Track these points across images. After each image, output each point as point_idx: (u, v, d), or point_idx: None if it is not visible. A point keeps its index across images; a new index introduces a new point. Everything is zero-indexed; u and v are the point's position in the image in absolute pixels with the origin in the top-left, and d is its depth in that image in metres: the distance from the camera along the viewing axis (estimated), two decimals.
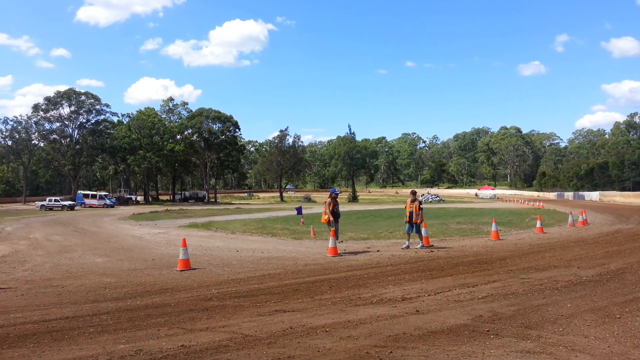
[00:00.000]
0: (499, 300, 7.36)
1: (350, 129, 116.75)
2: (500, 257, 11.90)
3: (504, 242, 15.47)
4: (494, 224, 16.68)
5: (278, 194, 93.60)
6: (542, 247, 13.87)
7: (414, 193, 14.82)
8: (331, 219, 13.65)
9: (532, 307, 6.88)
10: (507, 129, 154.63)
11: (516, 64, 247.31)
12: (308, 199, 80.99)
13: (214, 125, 78.90)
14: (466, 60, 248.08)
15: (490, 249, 13.59)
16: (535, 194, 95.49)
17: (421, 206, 14.37)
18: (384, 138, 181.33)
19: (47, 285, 9.54)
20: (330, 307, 7.11)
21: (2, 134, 73.82)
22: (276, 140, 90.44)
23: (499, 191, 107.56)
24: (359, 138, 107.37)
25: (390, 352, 5.10)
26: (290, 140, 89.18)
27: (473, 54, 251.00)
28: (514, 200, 67.00)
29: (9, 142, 74.71)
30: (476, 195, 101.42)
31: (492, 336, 5.59)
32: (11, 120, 73.95)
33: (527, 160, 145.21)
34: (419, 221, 14.12)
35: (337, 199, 15.07)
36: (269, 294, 8.08)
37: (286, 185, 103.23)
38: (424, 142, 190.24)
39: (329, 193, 15.12)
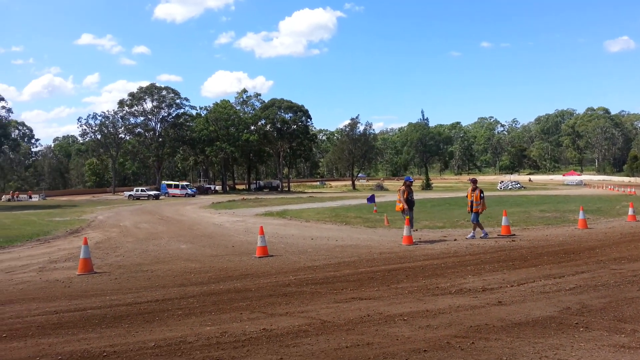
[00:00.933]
0: (588, 291, 6.92)
1: (423, 115, 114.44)
2: (589, 247, 11.18)
3: (592, 230, 14.49)
4: (581, 212, 15.66)
5: (350, 182, 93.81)
6: (636, 236, 12.84)
7: (474, 181, 14.38)
8: (405, 207, 13.43)
9: (625, 300, 6.41)
10: (594, 110, 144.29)
11: (602, 39, 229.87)
12: (380, 187, 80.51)
13: (286, 115, 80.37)
14: (547, 37, 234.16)
15: (578, 238, 12.79)
16: (626, 179, 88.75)
17: (482, 194, 13.86)
18: (458, 123, 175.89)
19: (138, 270, 10.22)
20: (407, 296, 7.04)
21: (92, 128, 79.65)
22: (347, 129, 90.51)
23: (585, 177, 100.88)
24: (432, 124, 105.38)
25: (472, 342, 4.97)
26: (361, 128, 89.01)
27: (554, 30, 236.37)
28: (602, 187, 62.58)
29: (99, 136, 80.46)
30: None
31: (581, 329, 5.28)
32: (99, 116, 79.67)
33: (617, 144, 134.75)
34: (480, 210, 13.66)
35: (412, 187, 14.81)
36: (345, 282, 8.14)
37: (358, 174, 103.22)
38: (503, 126, 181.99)
39: (402, 181, 14.90)
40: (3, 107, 51.87)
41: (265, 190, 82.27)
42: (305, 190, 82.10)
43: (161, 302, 7.09)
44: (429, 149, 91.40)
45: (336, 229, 17.39)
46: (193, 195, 63.12)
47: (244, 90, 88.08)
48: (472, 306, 6.36)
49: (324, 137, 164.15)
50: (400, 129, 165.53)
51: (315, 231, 16.85)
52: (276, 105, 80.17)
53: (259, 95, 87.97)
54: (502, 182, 75.57)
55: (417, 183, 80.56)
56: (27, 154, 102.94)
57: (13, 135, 77.94)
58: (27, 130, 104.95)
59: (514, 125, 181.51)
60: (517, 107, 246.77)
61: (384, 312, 6.19)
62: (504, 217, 14.08)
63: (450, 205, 30.25)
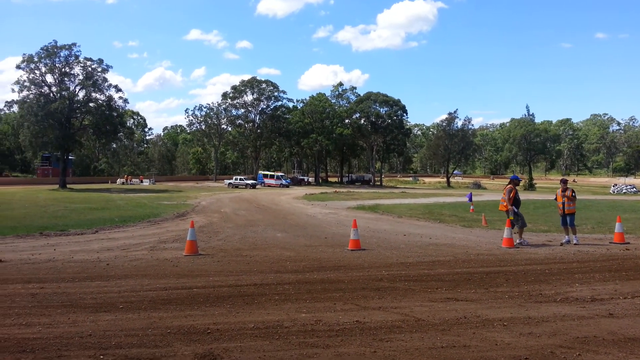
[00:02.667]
0: None
1: (528, 110, 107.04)
2: None
3: None
4: None
5: (444, 179, 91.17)
6: None
7: (564, 182, 13.43)
8: (511, 207, 12.65)
9: None
10: None
11: None
12: (477, 186, 77.31)
13: (381, 109, 79.82)
14: None
15: None
16: None
17: (574, 194, 12.81)
18: (568, 120, 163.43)
19: (238, 254, 10.75)
20: (507, 300, 6.71)
21: (198, 119, 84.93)
22: (444, 124, 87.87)
23: None
24: (538, 120, 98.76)
25: (579, 354, 4.63)
26: (459, 123, 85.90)
27: None
28: None
29: (203, 127, 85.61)
30: None
31: None
32: (205, 107, 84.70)
33: None
34: (573, 211, 12.64)
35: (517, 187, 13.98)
36: (440, 281, 7.95)
37: (453, 171, 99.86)
38: (618, 124, 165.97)
39: (503, 179, 14.16)
40: (120, 98, 56.66)
41: (357, 183, 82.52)
42: (398, 186, 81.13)
43: (259, 287, 7.41)
44: (534, 146, 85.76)
45: (430, 227, 17.02)
46: (287, 186, 65.01)
47: (340, 84, 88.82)
48: (579, 316, 5.92)
49: (418, 132, 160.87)
50: (501, 125, 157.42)
51: (408, 227, 16.62)
52: (371, 98, 79.86)
53: (355, 88, 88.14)
54: (616, 185, 69.15)
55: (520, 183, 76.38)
56: (140, 141, 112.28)
57: (129, 124, 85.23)
58: (140, 120, 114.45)
59: (631, 123, 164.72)
60: (636, 104, 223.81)
61: (482, 315, 5.96)
62: (617, 224, 12.90)
63: (556, 208, 28.27)
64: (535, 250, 11.43)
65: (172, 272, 8.65)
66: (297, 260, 9.78)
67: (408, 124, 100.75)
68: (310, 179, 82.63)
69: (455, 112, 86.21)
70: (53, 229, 15.26)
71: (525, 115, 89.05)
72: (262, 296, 6.81)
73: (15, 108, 58.97)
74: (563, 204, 12.90)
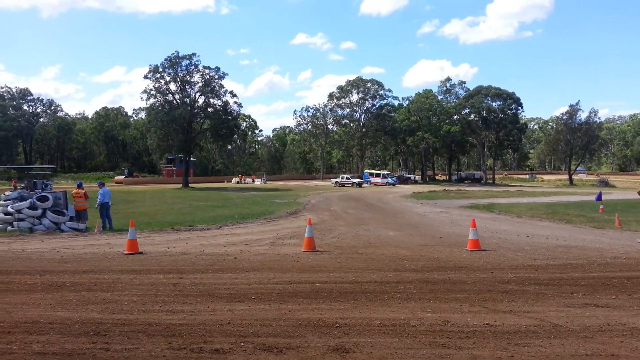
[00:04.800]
0: None
1: None
2: None
3: None
4: None
5: (566, 176, 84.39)
6: None
7: None
8: None
9: None
10: None
11: None
12: (605, 183, 70.60)
13: (493, 103, 75.98)
14: None
15: None
16: None
17: None
18: None
19: (353, 251, 10.88)
20: None
21: (305, 120, 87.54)
22: (565, 117, 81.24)
23: None
24: None
25: None
26: (582, 115, 78.91)
27: None
28: None
29: (310, 127, 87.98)
30: None
31: None
32: (312, 108, 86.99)
33: None
34: None
35: None
36: (574, 285, 7.37)
37: (576, 167, 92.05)
38: None
39: (633, 176, 12.75)
40: (235, 102, 60.04)
41: (466, 182, 79.43)
42: (512, 184, 76.73)
43: (379, 284, 7.43)
44: None
45: (555, 227, 15.88)
46: (393, 185, 64.43)
47: (448, 79, 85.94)
48: None
49: (535, 126, 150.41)
50: (631, 117, 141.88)
51: (530, 228, 15.65)
52: (482, 92, 76.30)
53: (464, 83, 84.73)
54: None
55: None
56: (251, 142, 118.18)
57: (242, 127, 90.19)
58: (252, 122, 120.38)
59: None
60: None
61: (628, 323, 5.44)
62: None
63: None
64: None
65: (294, 266, 9.00)
66: (414, 260, 9.65)
67: (523, 118, 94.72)
68: (417, 178, 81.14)
69: (577, 103, 79.36)
70: (182, 224, 16.62)
71: None
72: (384, 294, 6.82)
73: (143, 115, 65.21)
74: None
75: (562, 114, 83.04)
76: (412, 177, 79.21)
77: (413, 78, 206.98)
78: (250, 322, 5.50)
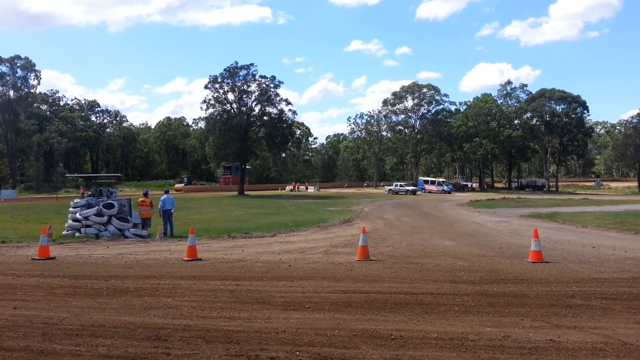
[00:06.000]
0: None
1: None
2: None
3: None
4: None
5: (635, 183, 79.35)
6: None
7: None
8: None
9: None
10: None
11: None
12: None
13: (557, 107, 72.64)
14: None
15: None
16: None
17: None
18: None
19: (408, 261, 10.71)
20: None
21: (359, 127, 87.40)
22: (634, 120, 76.52)
23: None
24: None
25: None
26: None
27: None
28: None
29: (363, 134, 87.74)
30: None
31: None
32: (365, 115, 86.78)
33: None
34: None
35: None
36: None
37: None
38: None
39: None
40: (290, 110, 60.97)
41: (527, 189, 76.33)
42: (577, 191, 73.05)
43: (436, 296, 7.27)
44: None
45: (623, 238, 14.96)
46: (449, 192, 62.98)
47: (508, 82, 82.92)
48: None
49: (602, 130, 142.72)
50: None
51: (596, 239, 14.82)
52: (545, 95, 73.11)
53: (525, 86, 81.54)
54: None
55: None
56: (305, 150, 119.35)
57: (296, 135, 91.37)
58: (306, 130, 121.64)
59: None
60: None
61: None
62: None
63: None
64: None
65: (347, 276, 8.98)
66: (472, 271, 9.38)
67: (589, 122, 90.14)
68: (474, 185, 78.92)
69: None
70: (238, 231, 16.99)
71: None
72: (440, 306, 6.67)
73: (202, 124, 67.38)
74: None
75: (632, 117, 78.12)
76: (469, 184, 77.14)
77: (471, 82, 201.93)
78: (305, 331, 5.54)
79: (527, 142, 77.83)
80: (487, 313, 6.28)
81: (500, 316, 6.15)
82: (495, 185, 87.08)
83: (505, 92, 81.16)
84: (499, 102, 79.74)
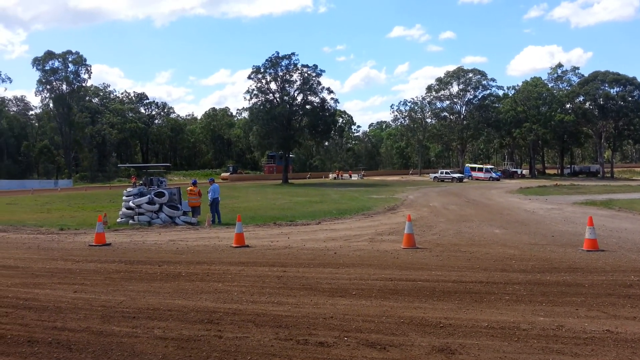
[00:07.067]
0: None
1: None
2: None
3: None
4: None
5: None
6: None
7: None
8: None
9: None
10: None
11: None
12: None
13: (612, 90, 69.18)
14: None
15: None
16: None
17: None
18: None
19: (456, 249, 10.54)
20: None
21: (402, 114, 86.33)
22: None
23: None
24: None
25: None
26: None
27: None
28: None
29: (407, 121, 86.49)
30: None
31: None
32: (409, 102, 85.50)
33: None
34: None
35: None
36: None
37: None
38: None
39: None
40: (332, 99, 60.89)
41: (580, 176, 73.36)
42: (633, 177, 69.60)
43: (485, 284, 7.13)
44: None
45: None
46: (497, 179, 61.34)
47: (559, 65, 79.50)
48: None
49: None
50: None
51: None
52: (599, 78, 69.72)
53: (577, 68, 77.95)
54: None
55: None
56: (348, 138, 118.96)
57: (339, 123, 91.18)
58: (348, 118, 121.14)
59: None
60: None
61: None
62: None
63: None
64: None
65: (393, 263, 8.94)
66: (523, 260, 9.13)
67: None
68: (524, 172, 76.45)
69: None
70: (283, 219, 17.21)
71: None
72: (490, 294, 6.54)
73: (246, 114, 68.32)
74: None
75: None
76: (518, 171, 74.84)
77: (519, 66, 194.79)
78: (352, 317, 5.57)
79: (580, 127, 74.64)
80: (539, 302, 6.11)
81: (553, 305, 5.97)
82: (547, 171, 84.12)
83: (555, 75, 77.80)
84: (549, 85, 76.60)
